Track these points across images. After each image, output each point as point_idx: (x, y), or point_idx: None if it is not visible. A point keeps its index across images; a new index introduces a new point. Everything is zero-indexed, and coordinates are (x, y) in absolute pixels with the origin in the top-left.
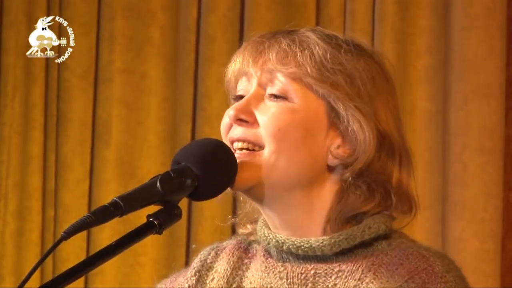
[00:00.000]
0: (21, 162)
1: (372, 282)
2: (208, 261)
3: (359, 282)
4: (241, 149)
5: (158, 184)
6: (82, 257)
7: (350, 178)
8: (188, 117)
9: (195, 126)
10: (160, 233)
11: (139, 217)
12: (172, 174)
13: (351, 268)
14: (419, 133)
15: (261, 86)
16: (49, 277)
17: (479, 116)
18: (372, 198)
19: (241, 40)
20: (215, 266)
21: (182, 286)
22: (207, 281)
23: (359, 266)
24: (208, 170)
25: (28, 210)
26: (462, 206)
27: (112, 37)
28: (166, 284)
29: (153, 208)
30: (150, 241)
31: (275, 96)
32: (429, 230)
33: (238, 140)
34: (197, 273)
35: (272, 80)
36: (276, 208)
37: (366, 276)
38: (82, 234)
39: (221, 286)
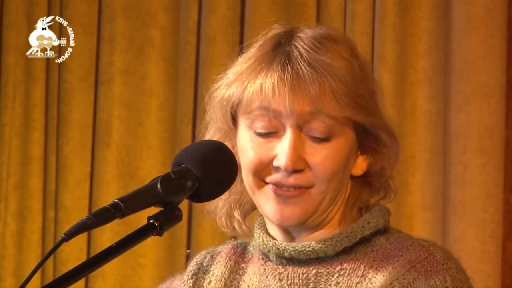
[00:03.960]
0: (21, 163)
1: (375, 277)
2: (204, 264)
3: (362, 278)
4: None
5: (158, 185)
6: (82, 258)
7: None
8: (188, 118)
9: (196, 127)
10: (160, 234)
11: (140, 218)
12: (172, 176)
13: (352, 265)
14: (420, 134)
15: (299, 127)
16: (49, 278)
17: (480, 116)
18: (376, 191)
19: (241, 41)
20: (211, 269)
21: None
22: (204, 284)
23: (360, 263)
24: (209, 172)
25: (28, 211)
26: (462, 207)
27: (113, 38)
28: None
29: (153, 210)
30: (151, 243)
31: (319, 138)
32: (429, 231)
33: (294, 189)
34: (193, 276)
35: (312, 121)
36: (295, 229)
37: (368, 272)
38: (83, 236)
39: None
